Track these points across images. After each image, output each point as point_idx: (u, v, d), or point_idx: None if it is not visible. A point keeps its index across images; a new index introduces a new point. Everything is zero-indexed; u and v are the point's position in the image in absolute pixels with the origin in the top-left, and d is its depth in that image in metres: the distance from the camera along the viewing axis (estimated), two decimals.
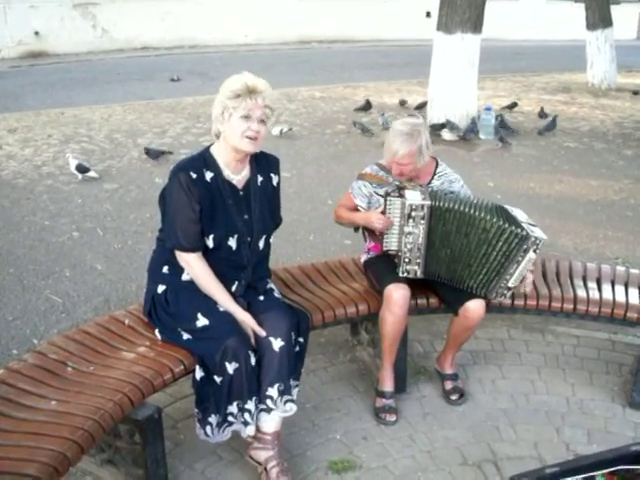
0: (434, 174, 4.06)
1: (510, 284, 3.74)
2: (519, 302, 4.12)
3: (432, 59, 10.33)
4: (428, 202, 3.71)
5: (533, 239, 3.61)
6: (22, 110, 11.10)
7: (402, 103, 11.93)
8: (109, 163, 8.27)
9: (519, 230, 3.63)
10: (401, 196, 3.77)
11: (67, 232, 6.18)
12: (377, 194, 3.97)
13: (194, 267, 3.32)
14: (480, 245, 3.70)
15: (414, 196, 3.74)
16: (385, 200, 3.83)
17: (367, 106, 11.40)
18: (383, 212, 3.83)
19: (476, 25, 9.84)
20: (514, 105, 12.03)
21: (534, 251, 3.65)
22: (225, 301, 3.31)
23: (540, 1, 25.39)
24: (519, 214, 3.81)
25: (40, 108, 11.22)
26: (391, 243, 3.85)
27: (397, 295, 3.71)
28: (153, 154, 8.29)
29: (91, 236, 6.12)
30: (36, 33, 16.88)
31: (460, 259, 3.77)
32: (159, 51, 18.12)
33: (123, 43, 18.03)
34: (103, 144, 9.13)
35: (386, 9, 21.85)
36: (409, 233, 3.75)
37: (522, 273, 3.71)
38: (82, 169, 7.56)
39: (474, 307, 3.77)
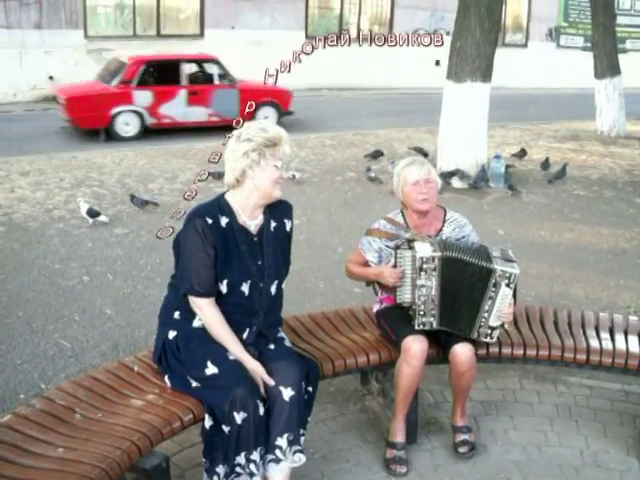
0: (444, 221, 4.08)
1: (491, 323, 3.74)
2: (531, 352, 4.09)
3: (442, 107, 10.39)
4: (439, 253, 3.70)
5: (500, 272, 3.63)
6: (35, 153, 11.21)
7: (419, 151, 11.70)
8: (120, 208, 8.30)
9: (488, 264, 3.67)
10: (411, 248, 3.77)
11: (77, 276, 6.19)
12: (388, 247, 3.97)
13: (206, 313, 3.31)
14: (469, 288, 3.74)
15: (424, 248, 3.73)
16: (395, 253, 3.83)
17: (377, 154, 11.40)
18: (394, 265, 3.82)
19: (485, 74, 9.91)
20: (523, 153, 12.00)
21: (507, 286, 3.66)
22: (235, 349, 3.29)
23: (549, 49, 25.62)
24: (495, 251, 3.82)
25: (53, 152, 11.32)
26: (404, 295, 3.84)
27: (416, 347, 3.69)
28: (137, 202, 8.24)
29: (101, 280, 6.13)
30: (50, 78, 17.09)
31: (456, 304, 3.78)
32: None
33: None
34: (114, 188, 9.18)
35: (395, 57, 22.06)
36: (422, 286, 3.73)
37: (500, 310, 3.71)
38: (93, 213, 7.60)
39: (460, 350, 3.75)
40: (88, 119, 12.60)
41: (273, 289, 3.45)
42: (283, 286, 3.54)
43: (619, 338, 4.28)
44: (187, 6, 19.58)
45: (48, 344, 4.97)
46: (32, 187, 9.08)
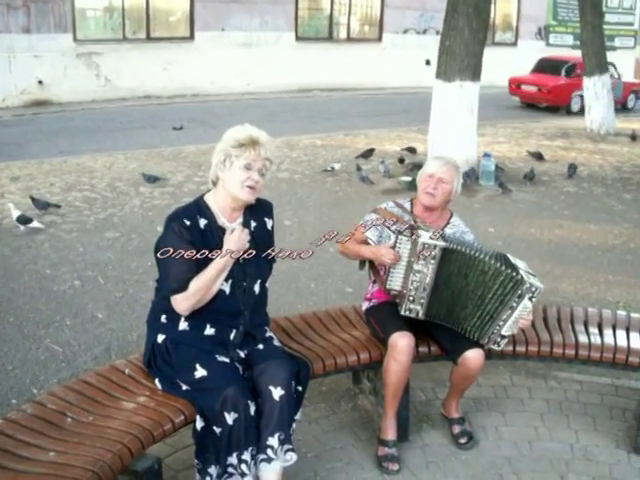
0: (448, 222, 4.12)
1: (504, 332, 3.73)
2: (520, 348, 4.12)
3: (432, 107, 10.42)
4: (442, 243, 3.71)
5: (528, 285, 3.62)
6: (25, 158, 11.14)
7: (411, 150, 11.87)
8: (111, 211, 8.29)
9: (515, 274, 3.65)
10: (413, 235, 3.77)
11: (68, 281, 6.19)
12: (389, 229, 3.98)
13: (187, 293, 3.27)
14: (478, 287, 3.72)
15: (427, 235, 3.75)
16: (396, 237, 3.83)
17: (367, 153, 11.44)
18: (392, 247, 3.83)
19: (475, 73, 9.94)
20: (540, 156, 12.06)
21: (530, 299, 3.65)
22: (212, 266, 3.27)
23: (538, 48, 25.71)
24: (519, 263, 3.82)
25: (43, 156, 11.28)
26: (395, 282, 3.83)
27: (402, 343, 3.70)
28: (39, 204, 8.06)
29: (92, 285, 6.13)
30: (40, 82, 17.04)
31: (459, 300, 3.77)
32: (161, 100, 18.28)
33: (126, 92, 18.20)
34: (105, 192, 9.16)
35: (385, 57, 22.13)
36: (417, 271, 3.73)
37: (516, 321, 3.70)
38: (24, 220, 7.40)
39: (473, 356, 3.77)
40: (560, 100, 19.00)
41: (257, 288, 3.45)
42: (267, 285, 3.55)
43: (607, 333, 4.32)
44: (176, 9, 19.55)
45: (40, 349, 4.97)
46: (22, 192, 9.03)
